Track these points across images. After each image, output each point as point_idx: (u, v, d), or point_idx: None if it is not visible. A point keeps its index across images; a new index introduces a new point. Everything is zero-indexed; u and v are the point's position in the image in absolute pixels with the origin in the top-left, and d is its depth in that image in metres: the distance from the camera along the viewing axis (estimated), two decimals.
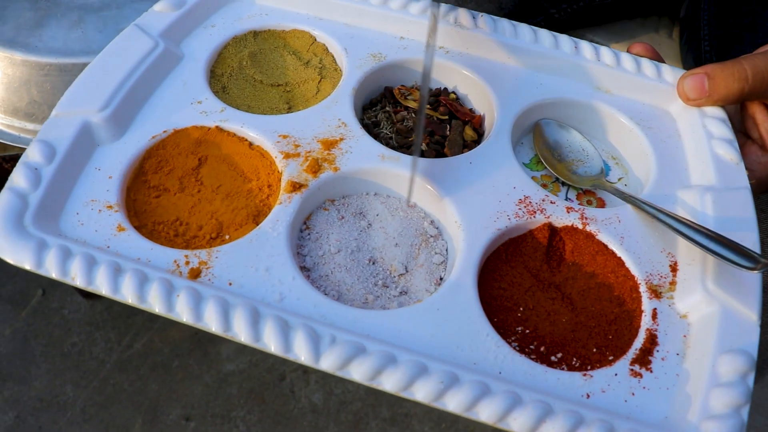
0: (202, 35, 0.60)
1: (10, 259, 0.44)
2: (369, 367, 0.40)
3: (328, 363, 0.41)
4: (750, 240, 0.47)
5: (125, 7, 0.78)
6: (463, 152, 0.54)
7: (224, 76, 0.58)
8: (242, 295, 0.44)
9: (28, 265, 0.44)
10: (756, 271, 0.43)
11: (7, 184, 0.48)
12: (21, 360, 1.23)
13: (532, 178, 0.55)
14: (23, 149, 0.76)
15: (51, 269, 0.44)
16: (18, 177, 0.48)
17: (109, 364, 1.22)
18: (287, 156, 0.51)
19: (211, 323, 0.41)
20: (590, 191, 0.55)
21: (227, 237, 0.48)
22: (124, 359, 1.22)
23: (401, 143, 0.54)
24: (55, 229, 0.47)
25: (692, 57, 0.78)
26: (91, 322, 1.26)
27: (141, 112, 0.54)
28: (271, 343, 0.41)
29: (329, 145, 0.52)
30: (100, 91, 0.52)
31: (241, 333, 0.41)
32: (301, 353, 0.41)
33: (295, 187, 0.49)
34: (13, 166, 0.80)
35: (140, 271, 0.43)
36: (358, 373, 0.40)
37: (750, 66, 0.51)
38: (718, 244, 0.45)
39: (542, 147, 0.56)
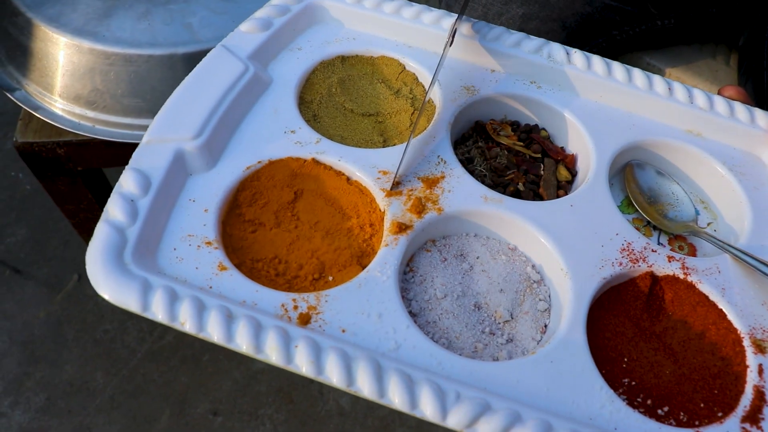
0: (288, 58, 0.58)
1: (113, 300, 0.43)
2: (496, 425, 0.40)
3: (455, 420, 0.40)
4: None
5: (192, 1, 0.79)
6: (558, 193, 0.54)
7: (314, 103, 0.56)
8: (357, 345, 0.43)
9: (133, 308, 0.42)
10: None
11: (104, 216, 0.46)
12: (53, 343, 1.24)
13: None
14: (79, 135, 0.79)
15: (158, 313, 0.42)
16: (114, 209, 0.46)
17: (140, 353, 1.22)
18: (390, 194, 0.50)
19: (333, 377, 0.40)
20: (681, 236, 0.55)
21: (330, 279, 0.47)
22: (155, 350, 1.23)
23: (497, 182, 0.53)
24: (154, 265, 0.45)
25: (752, 86, 0.79)
26: (124, 310, 1.24)
27: (233, 140, 0.52)
28: (395, 398, 0.40)
29: (431, 183, 0.51)
30: (192, 117, 0.50)
31: (364, 388, 0.40)
32: (427, 410, 0.40)
33: (401, 228, 0.48)
34: (67, 152, 0.83)
35: (253, 319, 0.42)
36: (484, 430, 0.40)
37: None
38: None
39: (634, 189, 0.56)
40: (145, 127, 0.74)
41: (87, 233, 1.04)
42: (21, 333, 1.24)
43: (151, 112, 0.75)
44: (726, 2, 0.84)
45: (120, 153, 0.83)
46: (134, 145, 0.75)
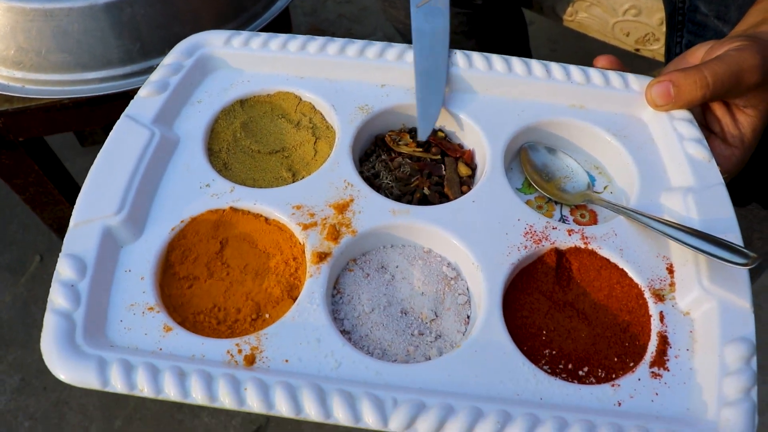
0: (190, 113, 0.61)
1: (74, 382, 0.47)
2: (433, 421, 0.45)
3: (396, 424, 0.45)
4: (734, 235, 0.53)
5: None
6: (462, 189, 0.58)
7: (222, 152, 0.59)
8: (302, 372, 0.47)
9: (94, 386, 0.46)
10: (749, 267, 0.49)
11: (49, 306, 0.49)
12: (22, 325, 1.27)
13: (527, 201, 0.59)
14: (15, 103, 0.78)
15: (117, 385, 0.46)
16: (57, 297, 0.49)
17: None
18: (306, 227, 0.54)
19: (282, 409, 0.45)
20: (582, 205, 0.60)
21: (267, 316, 0.51)
22: None
23: (404, 191, 0.58)
24: (105, 341, 0.49)
25: (671, 8, 0.82)
26: None
27: (154, 205, 0.55)
28: (340, 416, 0.45)
29: (341, 208, 0.55)
30: (111, 194, 0.54)
31: (311, 413, 0.45)
32: (370, 420, 0.45)
33: (321, 257, 0.52)
34: (5, 123, 0.81)
35: (203, 371, 0.46)
36: (423, 428, 0.45)
37: (710, 74, 0.56)
38: (711, 244, 0.50)
39: (531, 170, 0.60)
40: (75, 82, 0.76)
41: (40, 208, 1.05)
42: None
43: (80, 65, 0.75)
44: None
45: (58, 118, 0.82)
46: (71, 108, 0.77)
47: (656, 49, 0.92)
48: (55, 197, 1.02)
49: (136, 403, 1.16)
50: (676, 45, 0.79)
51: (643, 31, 0.91)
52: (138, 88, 0.74)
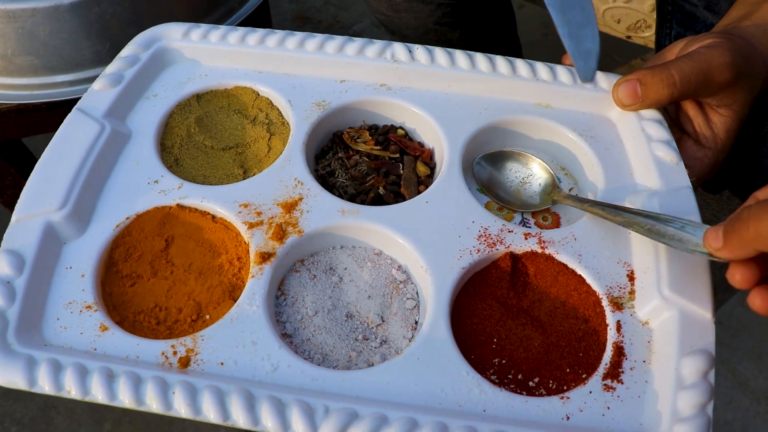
0: (145, 107, 0.60)
1: (4, 383, 0.46)
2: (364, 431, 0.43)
3: None
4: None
5: None
6: (419, 189, 0.56)
7: (175, 147, 0.58)
8: (235, 376, 0.46)
9: (21, 386, 0.45)
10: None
11: None
12: None
13: (487, 204, 0.57)
14: None
15: (44, 386, 0.45)
16: None
17: None
18: (251, 226, 0.52)
19: (210, 415, 0.44)
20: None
21: (208, 317, 0.50)
22: None
23: (358, 190, 0.56)
24: (39, 339, 0.48)
25: None
26: None
27: (100, 201, 0.54)
28: (269, 423, 0.43)
29: (289, 207, 0.53)
30: (55, 188, 0.53)
31: (239, 420, 0.43)
32: (299, 428, 0.43)
33: (264, 257, 0.51)
34: None
35: (132, 374, 0.45)
36: None
37: (677, 72, 0.53)
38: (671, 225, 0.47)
39: (491, 188, 0.58)
40: (45, 86, 0.74)
41: None
42: None
43: (48, 68, 0.73)
44: None
45: (32, 120, 0.79)
46: (44, 109, 0.74)
47: (648, 36, 0.89)
48: None
49: None
50: (665, 37, 0.76)
51: (635, 18, 0.88)
52: None
